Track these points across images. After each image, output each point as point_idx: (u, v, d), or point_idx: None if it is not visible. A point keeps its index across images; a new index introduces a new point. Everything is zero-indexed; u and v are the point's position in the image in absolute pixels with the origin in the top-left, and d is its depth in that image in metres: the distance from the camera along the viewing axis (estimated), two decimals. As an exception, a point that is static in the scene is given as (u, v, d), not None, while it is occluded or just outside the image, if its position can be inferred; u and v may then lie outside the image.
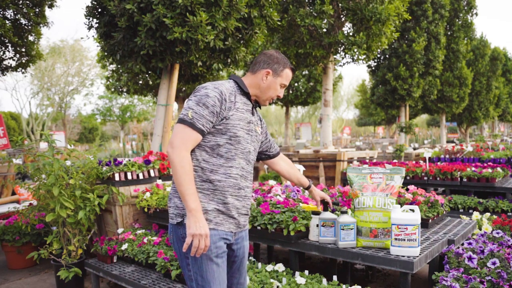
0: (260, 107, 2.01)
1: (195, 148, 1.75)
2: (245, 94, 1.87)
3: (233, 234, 1.84)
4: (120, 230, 3.77)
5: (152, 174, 4.10)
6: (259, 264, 2.92)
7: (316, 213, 2.79)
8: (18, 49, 6.45)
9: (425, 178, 5.58)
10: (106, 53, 5.13)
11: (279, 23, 5.76)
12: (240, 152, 1.80)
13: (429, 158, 6.74)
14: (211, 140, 1.75)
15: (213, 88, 1.73)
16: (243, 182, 1.83)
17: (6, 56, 6.47)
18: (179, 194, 1.67)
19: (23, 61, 6.69)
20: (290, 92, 15.56)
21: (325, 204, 2.49)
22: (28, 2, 6.25)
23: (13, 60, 6.61)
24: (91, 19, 4.98)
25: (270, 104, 1.99)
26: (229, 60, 5.37)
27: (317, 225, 2.43)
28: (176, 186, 1.67)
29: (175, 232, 1.77)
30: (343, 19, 7.48)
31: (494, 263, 2.26)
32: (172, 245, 1.82)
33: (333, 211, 3.12)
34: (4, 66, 6.61)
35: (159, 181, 4.09)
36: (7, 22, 6.04)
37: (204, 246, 1.63)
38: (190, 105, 1.71)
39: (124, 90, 12.71)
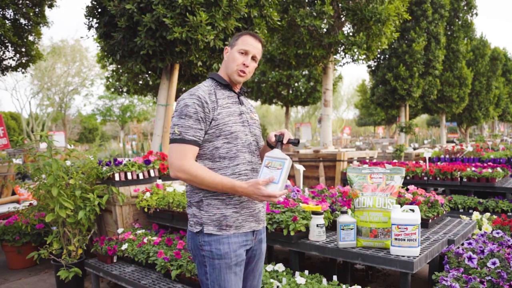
0: (247, 93, 1.94)
1: (197, 160, 1.72)
2: (226, 86, 1.81)
3: (254, 235, 1.80)
4: (120, 230, 3.77)
5: (152, 174, 4.10)
6: (259, 264, 2.92)
7: (316, 213, 2.79)
8: (18, 49, 6.45)
9: (425, 178, 5.58)
10: (106, 53, 5.14)
11: (279, 23, 5.76)
12: (241, 146, 1.75)
13: (429, 158, 6.74)
14: (209, 146, 1.72)
15: (189, 96, 1.69)
16: (256, 175, 1.78)
17: (6, 56, 6.48)
18: (210, 189, 1.67)
19: (23, 61, 6.69)
20: (290, 92, 15.56)
21: (280, 140, 1.75)
22: (28, 2, 6.25)
23: (13, 60, 6.61)
24: (91, 19, 4.98)
25: (241, 76, 1.78)
26: (229, 60, 5.36)
27: (265, 166, 1.69)
28: (206, 188, 1.67)
29: (193, 239, 1.74)
30: (343, 19, 7.48)
31: (494, 263, 2.26)
32: (190, 251, 1.80)
33: (334, 211, 3.12)
34: (4, 66, 6.61)
35: (159, 181, 4.09)
36: (7, 22, 6.04)
37: (276, 194, 1.60)
38: (174, 121, 1.68)
39: (124, 90, 12.71)
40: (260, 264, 1.91)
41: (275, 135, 1.76)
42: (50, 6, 6.50)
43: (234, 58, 1.77)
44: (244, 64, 1.77)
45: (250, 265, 1.86)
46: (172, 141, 1.66)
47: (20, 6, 6.19)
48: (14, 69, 6.73)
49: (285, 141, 1.74)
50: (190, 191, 1.77)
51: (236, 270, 1.71)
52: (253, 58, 1.80)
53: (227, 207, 1.70)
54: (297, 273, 2.69)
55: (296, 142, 1.76)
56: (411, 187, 3.61)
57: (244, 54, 1.78)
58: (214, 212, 1.69)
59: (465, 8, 15.38)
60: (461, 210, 4.94)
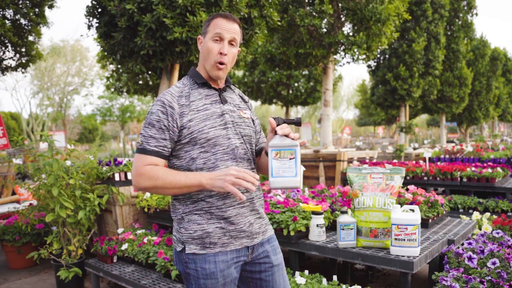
0: (234, 85, 1.71)
1: None
2: (203, 84, 1.57)
3: (249, 250, 1.58)
4: (120, 230, 3.77)
5: (152, 174, 4.10)
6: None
7: (316, 213, 2.79)
8: (18, 49, 6.46)
9: (425, 178, 5.58)
10: (106, 53, 5.14)
11: (279, 23, 5.76)
12: (221, 154, 1.51)
13: (429, 158, 6.74)
14: (185, 157, 1.51)
15: (156, 102, 1.51)
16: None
17: (6, 56, 6.48)
18: (177, 192, 1.46)
19: (23, 61, 6.69)
20: (290, 92, 15.56)
21: (279, 122, 1.50)
22: (28, 2, 6.25)
23: (13, 60, 6.62)
24: (91, 18, 4.98)
25: (221, 67, 1.53)
26: (229, 60, 5.38)
27: (274, 159, 1.43)
28: (173, 193, 1.48)
29: (178, 255, 1.57)
30: (343, 19, 7.48)
31: (494, 263, 2.25)
32: (175, 265, 1.65)
33: (334, 211, 3.11)
34: (4, 66, 6.61)
35: (159, 181, 4.09)
36: (7, 22, 6.04)
37: (243, 179, 1.37)
38: (141, 130, 1.52)
39: (124, 90, 12.70)
40: (279, 279, 1.64)
41: (274, 118, 1.49)
42: (50, 6, 6.50)
43: (208, 48, 1.51)
44: (221, 53, 1.50)
45: (265, 283, 1.63)
46: (136, 150, 1.50)
47: (20, 6, 6.19)
48: (14, 69, 6.74)
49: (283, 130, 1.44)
50: (172, 206, 1.60)
51: None
52: (231, 42, 1.53)
53: (209, 222, 1.50)
54: (297, 273, 2.69)
55: (298, 122, 1.47)
56: (411, 187, 3.61)
57: (218, 40, 1.51)
58: (195, 229, 1.50)
59: (465, 8, 15.39)
60: (461, 210, 4.94)
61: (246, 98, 1.75)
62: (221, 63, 1.51)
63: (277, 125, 1.47)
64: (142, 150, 1.47)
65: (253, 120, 1.70)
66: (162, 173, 1.43)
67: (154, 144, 1.46)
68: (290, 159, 1.41)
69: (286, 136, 1.44)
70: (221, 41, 1.51)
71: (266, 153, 1.58)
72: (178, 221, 1.57)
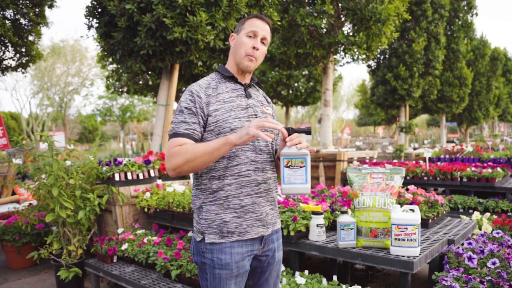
0: (259, 84, 1.81)
1: None
2: (230, 78, 1.68)
3: (262, 242, 1.66)
4: (120, 230, 3.77)
5: (152, 174, 4.10)
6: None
7: (316, 213, 2.79)
8: (18, 49, 6.46)
9: (425, 178, 5.58)
10: (106, 53, 5.14)
11: (279, 23, 5.76)
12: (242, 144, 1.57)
13: (429, 158, 6.74)
14: None
15: (185, 92, 1.62)
16: (261, 176, 1.62)
17: (6, 56, 6.48)
18: (208, 158, 1.48)
19: (23, 61, 6.70)
20: (290, 92, 15.56)
21: (290, 132, 1.55)
22: (28, 2, 6.26)
23: (13, 60, 6.62)
24: (91, 19, 4.98)
25: (251, 61, 1.65)
26: (229, 60, 5.38)
27: (286, 167, 1.52)
28: (205, 162, 1.50)
29: (196, 245, 1.65)
30: (343, 19, 7.48)
31: (494, 263, 2.25)
32: (192, 255, 1.72)
33: (334, 211, 3.12)
34: (4, 66, 6.62)
35: (159, 181, 4.09)
36: (7, 22, 6.04)
37: (266, 121, 1.44)
38: (172, 119, 1.63)
39: (124, 90, 12.71)
40: (275, 273, 1.76)
41: (286, 128, 1.54)
42: (50, 6, 6.51)
43: (241, 42, 1.64)
44: (254, 48, 1.63)
45: (263, 275, 1.72)
46: (169, 137, 1.59)
47: (20, 6, 6.19)
48: (14, 69, 6.74)
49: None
50: (193, 196, 1.68)
51: (237, 280, 1.62)
52: (263, 41, 1.67)
53: (226, 211, 1.58)
54: (297, 273, 2.69)
55: (308, 131, 1.55)
56: (411, 187, 3.61)
57: (252, 37, 1.64)
58: (213, 219, 1.59)
59: (465, 8, 15.39)
60: (461, 210, 4.94)
61: (268, 99, 1.83)
62: (253, 56, 1.64)
63: (288, 135, 1.54)
64: (173, 135, 1.55)
65: (273, 117, 1.79)
66: (191, 146, 1.50)
67: (184, 127, 1.55)
68: (301, 167, 1.51)
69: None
70: (255, 38, 1.64)
71: (278, 158, 1.66)
72: (198, 211, 1.64)
